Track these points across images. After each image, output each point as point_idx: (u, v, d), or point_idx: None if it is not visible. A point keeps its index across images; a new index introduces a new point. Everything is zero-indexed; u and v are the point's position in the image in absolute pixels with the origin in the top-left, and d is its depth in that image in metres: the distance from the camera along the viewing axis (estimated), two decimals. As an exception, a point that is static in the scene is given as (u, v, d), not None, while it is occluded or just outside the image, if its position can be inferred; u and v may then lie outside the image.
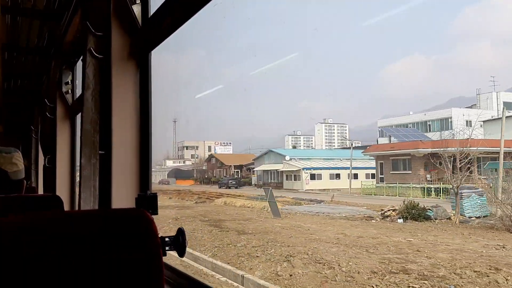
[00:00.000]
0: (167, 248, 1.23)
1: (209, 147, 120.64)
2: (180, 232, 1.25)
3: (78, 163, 2.75)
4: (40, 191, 4.74)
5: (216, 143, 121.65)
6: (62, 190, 4.07)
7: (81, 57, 3.52)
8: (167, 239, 1.23)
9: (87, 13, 2.39)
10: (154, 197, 1.86)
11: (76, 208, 2.68)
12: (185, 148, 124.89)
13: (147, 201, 1.84)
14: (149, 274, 0.89)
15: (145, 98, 2.13)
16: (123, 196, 2.04)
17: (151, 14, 2.06)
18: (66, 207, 2.60)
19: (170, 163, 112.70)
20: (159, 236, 0.98)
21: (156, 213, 1.75)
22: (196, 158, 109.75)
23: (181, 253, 1.25)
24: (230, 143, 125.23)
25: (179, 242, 1.24)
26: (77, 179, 3.00)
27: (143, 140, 2.13)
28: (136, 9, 2.11)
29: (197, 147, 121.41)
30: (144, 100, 2.13)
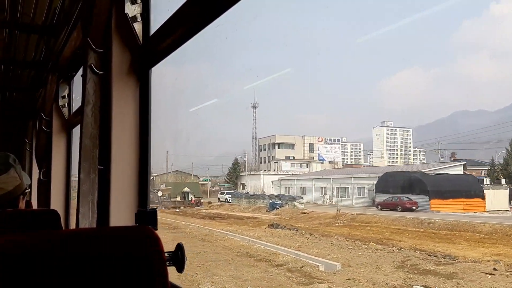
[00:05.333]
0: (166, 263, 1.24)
1: (311, 145, 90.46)
2: (179, 247, 1.27)
3: (75, 178, 2.75)
4: (34, 205, 4.71)
5: (320, 139, 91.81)
6: (57, 204, 4.04)
7: (79, 71, 3.55)
8: (166, 254, 1.24)
9: (87, 30, 2.42)
10: (154, 212, 1.87)
11: (73, 223, 2.67)
12: (276, 146, 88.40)
13: (147, 216, 1.85)
14: None
15: (145, 114, 2.15)
16: (122, 211, 2.05)
17: (152, 32, 2.10)
18: (62, 222, 2.59)
19: (287, 167, 79.37)
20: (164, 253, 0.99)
21: (156, 229, 1.76)
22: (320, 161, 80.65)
23: (180, 269, 1.26)
24: (338, 141, 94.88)
25: (178, 257, 1.25)
26: (74, 193, 2.99)
27: (142, 156, 2.15)
28: (137, 26, 2.15)
29: (292, 144, 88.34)
30: (143, 117, 2.16)
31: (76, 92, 4.32)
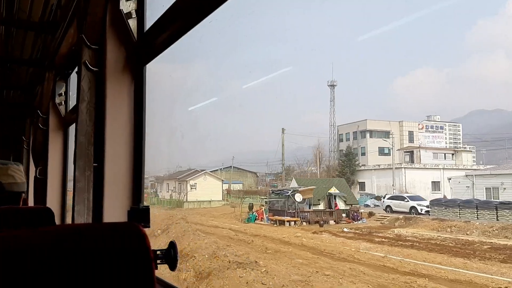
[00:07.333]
0: (158, 261, 1.23)
1: (410, 133, 68.43)
2: (172, 245, 1.26)
3: (71, 175, 2.75)
4: (31, 203, 4.70)
5: (421, 126, 69.55)
6: (53, 202, 4.03)
7: (75, 69, 3.54)
8: (158, 252, 1.23)
9: (82, 26, 2.41)
10: (147, 210, 1.86)
11: (69, 220, 2.66)
12: (366, 134, 65.55)
13: (139, 214, 1.84)
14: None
15: (139, 111, 2.14)
16: (116, 208, 2.04)
17: (147, 28, 2.08)
18: (57, 219, 2.58)
19: (428, 159, 57.51)
20: (151, 249, 0.99)
21: (149, 226, 1.75)
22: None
23: (173, 267, 1.25)
24: (442, 128, 73.47)
25: (170, 255, 1.24)
26: (70, 191, 2.99)
27: (137, 153, 2.14)
28: (132, 23, 2.13)
29: (388, 132, 64.55)
30: (138, 113, 2.15)
31: (72, 90, 4.31)
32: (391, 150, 56.43)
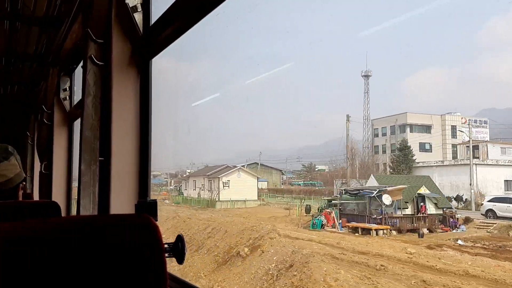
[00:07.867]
0: (166, 255, 1.24)
1: (453, 128, 60.76)
2: (180, 239, 1.26)
3: (76, 170, 2.76)
4: (36, 197, 4.72)
5: (464, 120, 61.35)
6: (58, 196, 4.05)
7: (80, 64, 3.54)
8: (166, 245, 1.24)
9: (88, 21, 2.41)
10: (154, 203, 1.86)
11: (74, 214, 2.67)
12: (406, 129, 59.22)
13: (147, 207, 1.85)
14: (153, 281, 0.89)
15: (145, 105, 2.14)
16: (122, 202, 2.05)
17: (153, 22, 2.08)
18: (63, 214, 2.59)
19: (496, 154, 50.35)
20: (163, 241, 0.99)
21: (156, 220, 1.75)
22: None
23: (180, 260, 1.26)
24: (485, 123, 65.37)
25: (178, 249, 1.24)
26: (75, 185, 3.00)
27: (143, 147, 2.14)
28: (138, 17, 2.13)
29: (429, 126, 59.86)
30: (144, 108, 2.15)
31: (77, 85, 4.32)
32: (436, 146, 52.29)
